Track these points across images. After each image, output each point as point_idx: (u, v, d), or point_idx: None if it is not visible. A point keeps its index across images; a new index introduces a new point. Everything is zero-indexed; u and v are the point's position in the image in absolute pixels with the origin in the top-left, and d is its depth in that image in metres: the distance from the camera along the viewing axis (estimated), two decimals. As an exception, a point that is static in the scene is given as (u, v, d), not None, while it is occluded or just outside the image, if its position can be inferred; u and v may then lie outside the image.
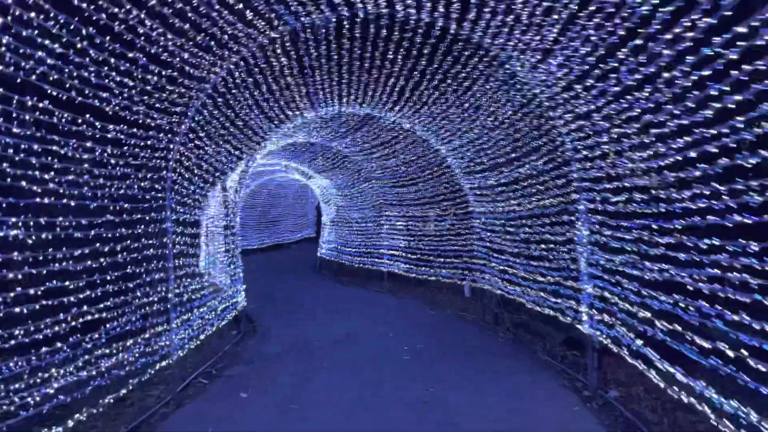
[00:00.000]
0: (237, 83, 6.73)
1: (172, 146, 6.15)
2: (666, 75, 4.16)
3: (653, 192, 4.86)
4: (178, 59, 5.31)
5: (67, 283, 4.51)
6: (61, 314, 4.40)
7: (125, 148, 5.15)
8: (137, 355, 5.42)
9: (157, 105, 5.44)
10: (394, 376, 7.14)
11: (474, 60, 6.85)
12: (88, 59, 4.39)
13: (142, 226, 5.65)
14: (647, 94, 4.51)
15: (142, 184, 5.57)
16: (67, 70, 4.25)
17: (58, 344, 4.36)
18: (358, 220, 16.39)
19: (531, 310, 8.85)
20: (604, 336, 6.17)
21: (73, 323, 4.50)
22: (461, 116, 8.58)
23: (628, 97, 4.75)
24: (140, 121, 5.25)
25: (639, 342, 5.44)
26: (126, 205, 5.30)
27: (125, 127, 5.05)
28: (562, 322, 7.43)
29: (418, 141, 11.01)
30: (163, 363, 6.02)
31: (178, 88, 5.61)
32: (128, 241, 5.33)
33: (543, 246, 7.62)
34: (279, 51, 6.69)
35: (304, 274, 18.57)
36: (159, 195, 6.03)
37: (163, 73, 5.26)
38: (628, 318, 5.63)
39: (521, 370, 7.34)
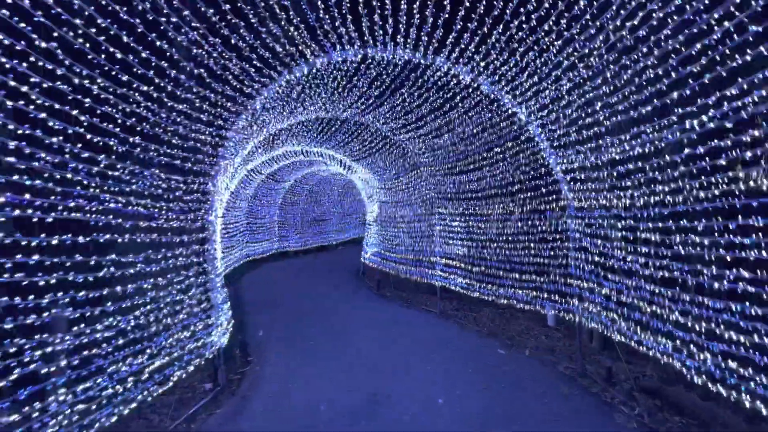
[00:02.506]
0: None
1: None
2: None
3: None
4: None
5: None
6: None
7: None
8: None
9: None
10: None
11: None
12: None
13: None
14: None
15: None
16: None
17: None
18: (405, 219, 12.70)
19: (660, 363, 4.94)
20: None
21: None
22: (564, 39, 4.72)
23: None
24: None
25: None
26: None
27: None
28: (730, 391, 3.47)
29: (483, 102, 7.20)
30: None
31: None
32: None
33: (745, 272, 3.65)
34: None
35: (341, 284, 15.06)
36: None
37: None
38: None
39: None
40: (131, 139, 4.14)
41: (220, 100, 5.40)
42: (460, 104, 7.50)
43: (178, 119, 4.73)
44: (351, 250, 23.84)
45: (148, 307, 4.67)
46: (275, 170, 17.31)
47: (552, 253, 7.39)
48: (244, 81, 5.54)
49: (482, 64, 6.16)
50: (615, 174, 5.39)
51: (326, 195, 24.32)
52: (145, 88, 4.09)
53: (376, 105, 8.55)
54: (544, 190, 7.33)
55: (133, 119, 4.15)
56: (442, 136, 8.77)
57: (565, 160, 6.45)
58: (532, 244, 7.82)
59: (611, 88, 4.71)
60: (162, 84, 4.29)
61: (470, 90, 7.04)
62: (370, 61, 6.73)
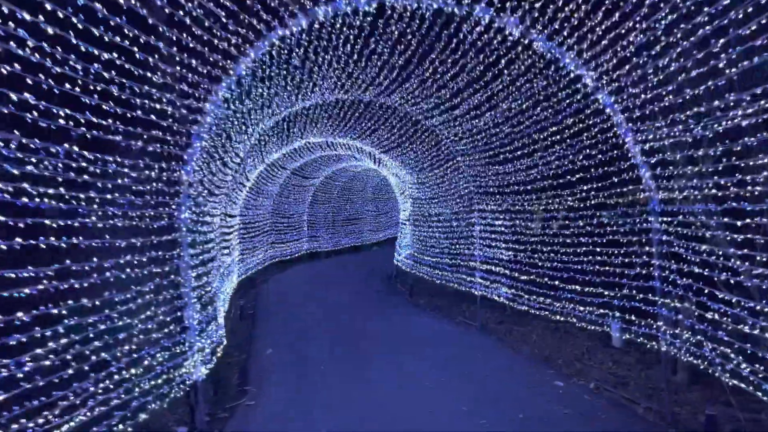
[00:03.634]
0: None
1: None
2: None
3: None
4: None
5: None
6: None
7: None
8: None
9: None
10: None
11: None
12: None
13: None
14: None
15: None
16: None
17: None
18: (440, 218, 11.08)
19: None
20: None
21: None
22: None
23: None
24: None
25: None
26: None
27: None
28: None
29: (536, 66, 5.54)
30: None
31: None
32: None
33: None
34: None
35: (371, 290, 13.55)
36: None
37: None
38: None
39: None
40: (15, 97, 2.74)
41: (180, 56, 3.96)
42: (505, 71, 5.85)
43: (107, 75, 3.32)
44: (386, 250, 22.33)
45: (63, 340, 3.27)
46: (301, 165, 15.98)
47: (626, 260, 5.65)
48: (214, 30, 4.08)
49: (536, 6, 4.52)
50: (736, 150, 3.66)
51: (359, 193, 22.91)
52: (28, 16, 2.68)
53: (401, 80, 6.99)
54: (615, 179, 5.60)
55: (20, 68, 2.76)
56: (483, 116, 7.12)
57: (650, 136, 4.72)
58: (598, 249, 6.09)
59: (745, 11, 3.00)
60: (65, 16, 2.87)
61: (519, 49, 5.39)
62: (388, 13, 5.18)
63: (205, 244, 5.96)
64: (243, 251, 12.95)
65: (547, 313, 7.17)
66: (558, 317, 6.94)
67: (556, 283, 6.86)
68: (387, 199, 24.55)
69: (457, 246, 9.99)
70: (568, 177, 6.30)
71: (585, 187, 6.06)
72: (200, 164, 5.14)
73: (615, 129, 5.23)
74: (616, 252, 5.82)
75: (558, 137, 6.11)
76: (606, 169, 5.65)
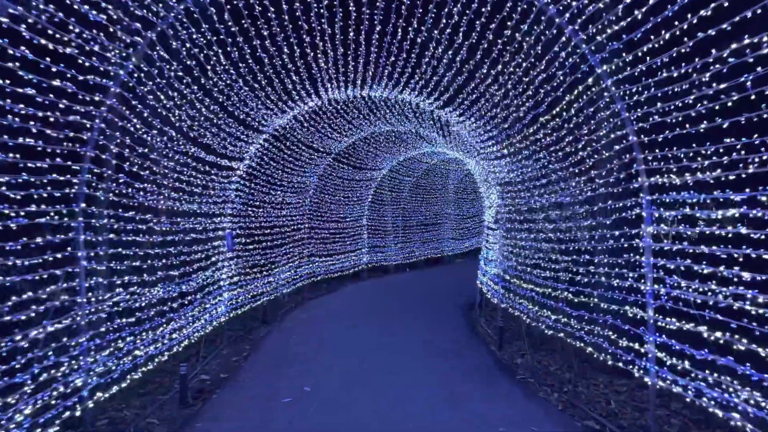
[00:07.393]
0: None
1: None
2: None
3: None
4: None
5: None
6: None
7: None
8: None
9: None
10: None
11: None
12: None
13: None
14: None
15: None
16: None
17: None
18: (550, 213, 5.93)
19: None
20: None
21: None
22: None
23: None
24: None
25: None
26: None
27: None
28: None
29: None
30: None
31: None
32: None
33: None
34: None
35: (440, 333, 8.53)
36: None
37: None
38: None
39: None
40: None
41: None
42: None
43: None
44: (473, 264, 17.18)
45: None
46: (348, 149, 11.43)
47: None
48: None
49: None
50: None
51: (438, 191, 17.99)
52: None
53: None
54: None
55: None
56: None
57: None
58: None
59: None
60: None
61: None
62: None
63: None
64: (246, 271, 8.61)
65: None
66: None
67: None
68: (474, 200, 19.40)
69: (594, 268, 4.81)
70: None
71: None
72: None
73: None
74: None
75: None
76: None
